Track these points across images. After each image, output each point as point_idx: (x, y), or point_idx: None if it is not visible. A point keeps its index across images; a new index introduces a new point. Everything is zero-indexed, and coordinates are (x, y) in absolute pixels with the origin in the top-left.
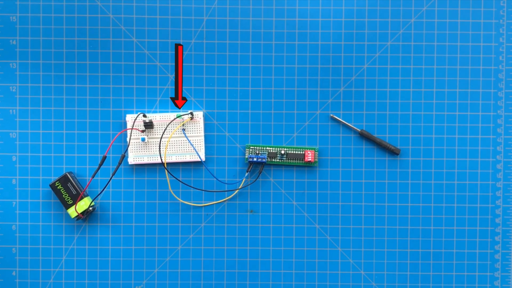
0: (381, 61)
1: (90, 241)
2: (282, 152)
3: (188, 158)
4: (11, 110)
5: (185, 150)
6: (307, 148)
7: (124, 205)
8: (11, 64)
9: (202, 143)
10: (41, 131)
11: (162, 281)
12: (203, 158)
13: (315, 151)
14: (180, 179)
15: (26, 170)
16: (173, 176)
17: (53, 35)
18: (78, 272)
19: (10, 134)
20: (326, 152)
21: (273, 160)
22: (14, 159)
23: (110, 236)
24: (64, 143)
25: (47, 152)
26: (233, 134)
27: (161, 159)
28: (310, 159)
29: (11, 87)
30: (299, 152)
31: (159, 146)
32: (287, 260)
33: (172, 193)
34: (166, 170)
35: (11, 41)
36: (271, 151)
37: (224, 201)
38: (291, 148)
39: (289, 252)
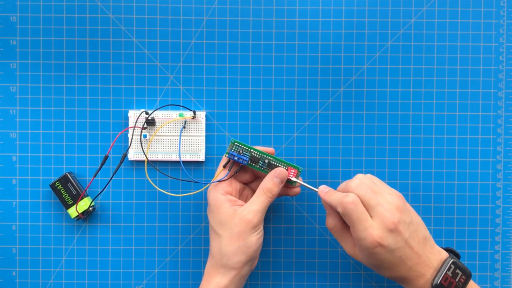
0: (381, 61)
1: (90, 241)
2: (266, 161)
3: (188, 158)
4: (11, 110)
5: (185, 150)
6: (292, 166)
7: (124, 205)
8: (11, 64)
9: (203, 143)
10: (41, 131)
11: (162, 281)
12: (203, 158)
13: (299, 171)
14: (180, 179)
15: (26, 170)
16: (173, 177)
17: (53, 35)
18: (78, 272)
19: (10, 134)
20: (326, 152)
21: (253, 164)
22: (14, 159)
23: (110, 236)
24: (64, 143)
25: (47, 152)
26: (233, 134)
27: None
28: (292, 176)
29: (11, 87)
30: (282, 166)
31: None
32: (287, 260)
33: (173, 193)
34: (159, 171)
35: (11, 41)
36: (255, 155)
37: None
38: (276, 160)
39: (289, 252)
